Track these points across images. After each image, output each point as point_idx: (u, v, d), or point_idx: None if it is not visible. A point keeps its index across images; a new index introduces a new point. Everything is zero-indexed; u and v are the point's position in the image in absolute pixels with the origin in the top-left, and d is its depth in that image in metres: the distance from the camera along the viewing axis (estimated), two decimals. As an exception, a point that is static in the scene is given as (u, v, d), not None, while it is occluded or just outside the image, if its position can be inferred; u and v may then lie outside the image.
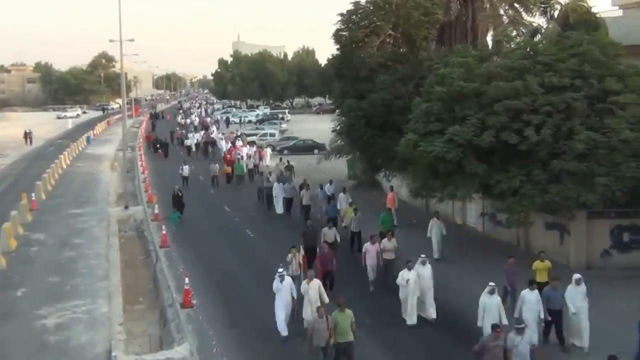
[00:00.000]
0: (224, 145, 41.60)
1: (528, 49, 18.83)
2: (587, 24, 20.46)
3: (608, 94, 16.46)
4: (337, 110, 30.01)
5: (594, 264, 16.85)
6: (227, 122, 69.39)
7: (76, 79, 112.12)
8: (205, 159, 40.73)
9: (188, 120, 67.15)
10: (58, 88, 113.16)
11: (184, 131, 53.09)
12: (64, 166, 38.98)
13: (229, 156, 35.72)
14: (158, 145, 45.78)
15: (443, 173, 17.25)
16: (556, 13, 22.73)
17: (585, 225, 16.92)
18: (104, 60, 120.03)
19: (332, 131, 28.80)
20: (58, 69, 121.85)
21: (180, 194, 24.58)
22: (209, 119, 69.47)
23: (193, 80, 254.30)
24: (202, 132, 49.89)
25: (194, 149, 45.10)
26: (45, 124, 68.52)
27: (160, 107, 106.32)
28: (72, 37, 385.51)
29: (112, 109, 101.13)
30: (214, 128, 55.45)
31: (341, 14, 26.69)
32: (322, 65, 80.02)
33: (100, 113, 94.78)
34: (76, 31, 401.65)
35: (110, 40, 33.77)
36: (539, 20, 24.02)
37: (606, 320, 12.54)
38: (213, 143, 44.71)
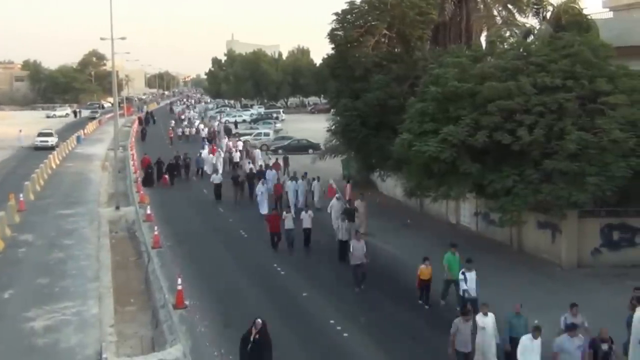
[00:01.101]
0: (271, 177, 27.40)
1: (521, 50, 19.05)
2: (579, 26, 20.71)
3: (599, 94, 16.70)
4: (332, 110, 30.14)
5: (585, 262, 17.12)
6: (232, 127, 56.47)
7: (66, 78, 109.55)
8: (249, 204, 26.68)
9: (187, 130, 53.91)
10: (47, 86, 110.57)
11: (180, 153, 35.18)
12: (54, 166, 38.22)
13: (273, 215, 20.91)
14: (151, 170, 32.23)
15: (437, 173, 17.41)
16: (548, 14, 22.96)
17: (576, 224, 17.18)
18: (94, 59, 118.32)
19: (327, 131, 28.90)
20: (47, 67, 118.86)
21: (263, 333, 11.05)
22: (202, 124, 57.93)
23: (186, 79, 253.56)
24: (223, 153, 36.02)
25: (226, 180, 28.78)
26: (36, 124, 67.30)
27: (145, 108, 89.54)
28: (61, 35, 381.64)
29: (105, 106, 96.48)
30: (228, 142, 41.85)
31: (336, 14, 26.82)
32: (317, 64, 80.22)
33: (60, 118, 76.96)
34: (66, 29, 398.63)
35: (102, 39, 33.46)
36: (531, 21, 24.26)
37: (596, 316, 12.76)
38: (260, 173, 28.58)
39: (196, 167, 34.64)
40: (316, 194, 26.23)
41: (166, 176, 32.38)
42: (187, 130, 54.48)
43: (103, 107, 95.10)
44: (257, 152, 38.65)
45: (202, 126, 56.18)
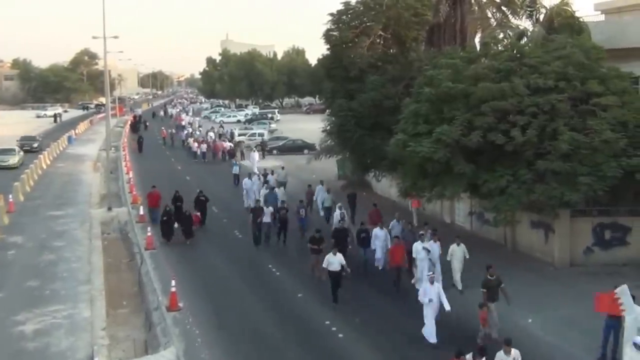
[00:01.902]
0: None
1: (514, 52, 19.23)
2: (571, 28, 20.92)
3: (590, 95, 16.92)
4: (327, 110, 30.26)
5: (577, 261, 17.34)
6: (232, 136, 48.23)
7: (57, 77, 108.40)
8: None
9: (192, 143, 42.55)
10: (37, 86, 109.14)
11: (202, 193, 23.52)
12: (44, 166, 37.82)
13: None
14: (166, 218, 21.21)
15: (432, 173, 17.58)
16: (541, 17, 23.16)
17: (568, 223, 17.38)
18: (86, 58, 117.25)
19: (322, 131, 29.02)
20: (38, 65, 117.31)
21: None
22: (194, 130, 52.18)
23: (180, 79, 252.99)
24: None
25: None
26: (26, 123, 66.52)
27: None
28: (52, 33, 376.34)
29: (98, 107, 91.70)
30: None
31: (331, 14, 27.03)
32: (313, 65, 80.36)
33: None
34: (57, 27, 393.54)
35: (94, 37, 33.41)
36: (525, 23, 24.46)
37: (588, 314, 12.96)
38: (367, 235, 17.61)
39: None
40: (437, 266, 15.38)
41: (197, 214, 22.13)
42: (192, 143, 43.07)
43: (87, 109, 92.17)
44: (254, 155, 35.90)
45: (211, 135, 45.57)
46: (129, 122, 63.33)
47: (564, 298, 14.81)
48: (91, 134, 59.53)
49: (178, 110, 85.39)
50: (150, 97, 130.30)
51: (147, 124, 63.66)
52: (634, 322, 11.16)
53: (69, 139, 52.04)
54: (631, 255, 17.23)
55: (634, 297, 11.46)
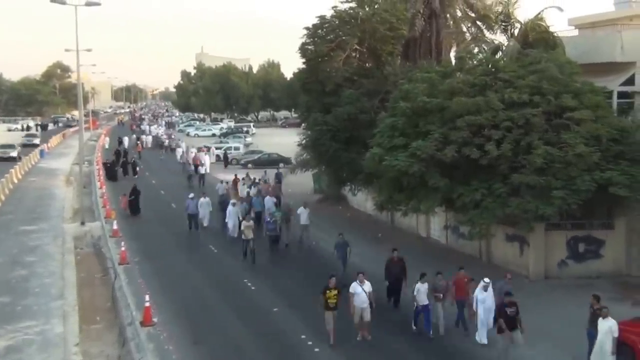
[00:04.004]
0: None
1: (489, 66, 19.39)
2: (546, 43, 21.23)
3: (564, 110, 17.11)
4: (302, 124, 30.14)
5: (551, 274, 17.43)
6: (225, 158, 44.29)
7: (28, 90, 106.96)
8: None
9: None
10: (9, 99, 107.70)
11: None
12: (15, 181, 37.21)
13: None
14: None
15: (407, 187, 17.53)
16: (516, 31, 23.46)
17: (543, 236, 17.48)
18: (59, 70, 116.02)
19: (298, 145, 28.86)
20: (9, 78, 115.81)
21: None
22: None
23: (154, 92, 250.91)
24: None
25: None
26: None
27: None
28: (24, 46, 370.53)
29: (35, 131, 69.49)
30: None
31: (307, 28, 27.01)
32: (288, 78, 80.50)
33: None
34: (29, 39, 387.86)
35: (66, 50, 32.94)
36: (500, 38, 24.72)
37: (562, 326, 12.98)
38: None
39: None
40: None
41: None
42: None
43: (44, 128, 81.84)
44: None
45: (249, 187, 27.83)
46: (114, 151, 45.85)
47: (538, 310, 14.78)
48: (63, 148, 58.71)
49: (162, 131, 67.38)
50: (116, 111, 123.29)
51: (137, 167, 40.17)
52: (609, 331, 11.20)
53: (41, 153, 51.17)
54: (605, 268, 17.41)
55: (607, 308, 11.49)
